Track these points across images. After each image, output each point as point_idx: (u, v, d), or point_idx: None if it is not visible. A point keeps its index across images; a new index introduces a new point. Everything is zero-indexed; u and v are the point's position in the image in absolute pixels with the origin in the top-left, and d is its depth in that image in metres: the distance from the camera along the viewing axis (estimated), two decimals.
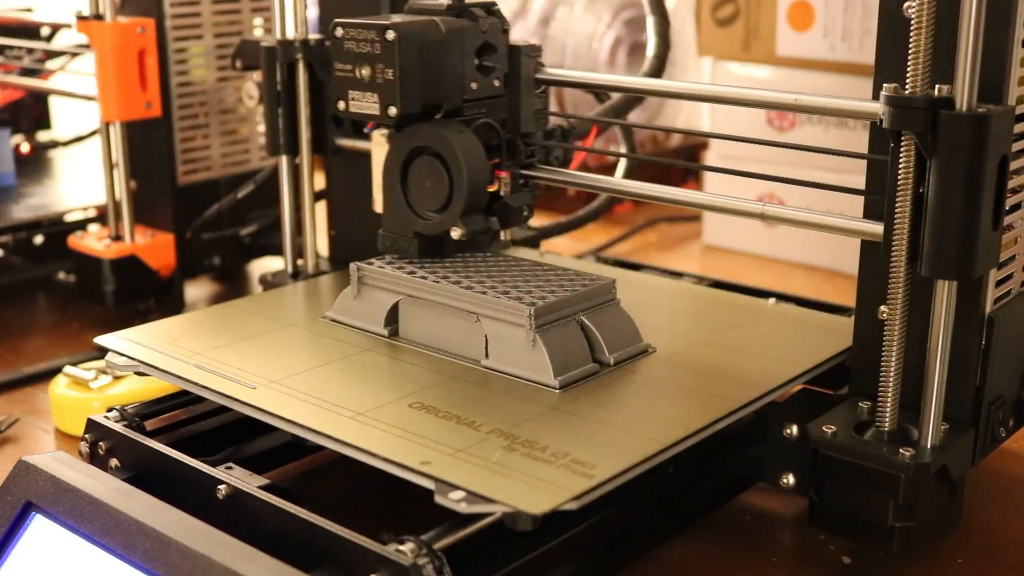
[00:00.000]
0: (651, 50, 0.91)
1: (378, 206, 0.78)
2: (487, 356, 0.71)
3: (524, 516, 0.53)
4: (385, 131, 0.77)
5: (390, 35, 0.71)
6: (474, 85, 0.76)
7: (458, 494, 0.55)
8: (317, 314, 0.80)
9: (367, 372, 0.71)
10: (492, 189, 0.76)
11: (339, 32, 0.74)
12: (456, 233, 0.74)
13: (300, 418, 0.64)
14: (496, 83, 0.77)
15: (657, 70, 0.90)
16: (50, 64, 1.24)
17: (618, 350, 0.71)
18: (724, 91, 0.73)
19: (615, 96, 0.93)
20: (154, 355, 0.72)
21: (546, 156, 0.80)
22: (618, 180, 0.82)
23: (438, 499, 0.55)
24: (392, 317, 0.75)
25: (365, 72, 0.73)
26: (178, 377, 0.70)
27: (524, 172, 0.78)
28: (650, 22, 0.92)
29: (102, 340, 0.75)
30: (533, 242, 1.00)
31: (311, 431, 0.63)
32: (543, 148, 0.79)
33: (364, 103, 0.74)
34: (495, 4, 0.77)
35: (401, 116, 0.73)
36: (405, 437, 0.61)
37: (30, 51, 1.22)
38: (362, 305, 0.77)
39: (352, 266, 0.77)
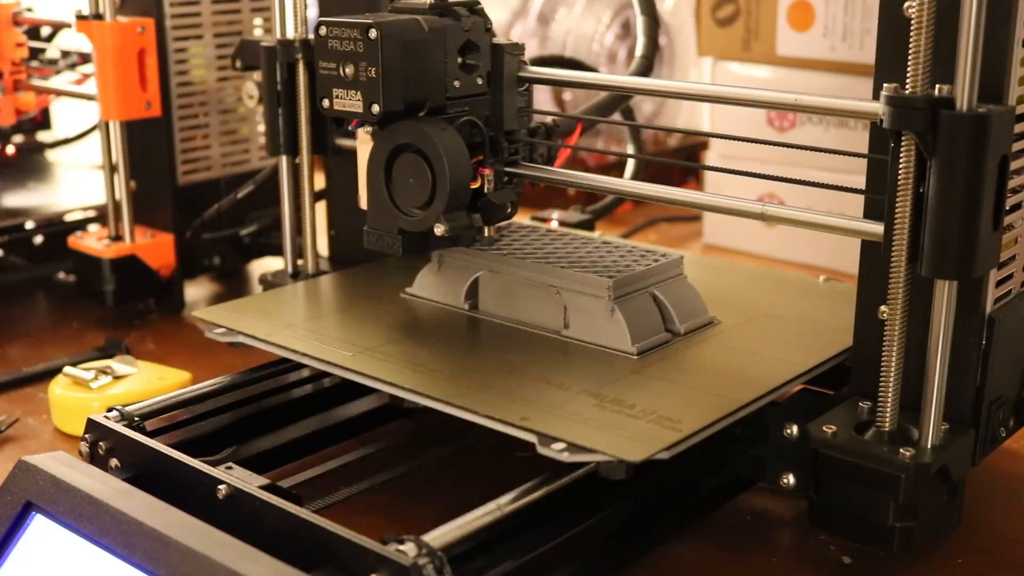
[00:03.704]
0: (639, 50, 0.92)
1: (363, 203, 0.79)
2: (567, 327, 0.74)
3: (622, 464, 0.58)
4: (370, 129, 0.78)
5: (372, 33, 0.71)
6: (457, 83, 0.76)
7: (560, 445, 0.59)
8: (397, 291, 0.84)
9: (453, 341, 0.75)
10: (475, 186, 0.76)
11: (322, 31, 0.74)
12: (439, 230, 0.74)
13: (400, 380, 0.68)
14: (479, 81, 0.77)
15: (645, 70, 0.92)
16: (85, 68, 1.23)
17: (687, 320, 0.76)
18: (724, 91, 0.73)
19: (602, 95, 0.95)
20: (254, 326, 0.76)
21: (530, 153, 0.80)
22: (621, 180, 0.82)
23: (541, 450, 0.59)
24: (472, 291, 0.80)
25: (348, 70, 0.73)
26: (280, 346, 0.74)
27: (508, 169, 0.78)
28: (640, 22, 0.93)
29: (201, 313, 0.79)
30: (588, 225, 1.05)
31: (413, 392, 0.66)
32: (527, 146, 0.80)
33: (348, 101, 0.74)
34: (478, 3, 0.77)
35: (384, 114, 0.73)
36: (502, 396, 0.65)
37: (66, 54, 1.21)
38: (443, 281, 0.81)
39: None
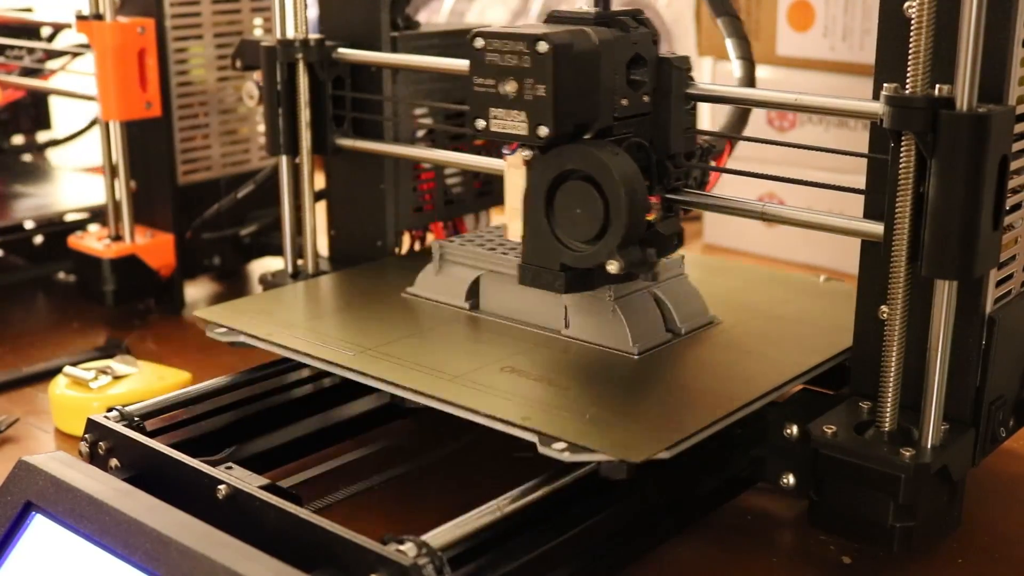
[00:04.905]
0: (736, 51, 0.83)
1: (514, 234, 0.71)
2: (567, 326, 0.74)
3: (622, 464, 0.57)
4: (527, 153, 0.68)
5: (542, 47, 0.63)
6: (624, 101, 0.68)
7: (560, 445, 0.59)
8: (397, 291, 0.84)
9: (455, 341, 0.75)
10: (650, 217, 0.68)
11: (479, 43, 0.66)
12: (613, 267, 0.66)
13: (402, 380, 0.68)
14: (645, 99, 0.70)
15: (752, 73, 0.84)
16: (51, 64, 1.24)
17: (688, 320, 0.76)
18: (724, 91, 0.73)
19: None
20: (255, 326, 0.76)
21: (686, 178, 0.73)
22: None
23: (542, 449, 0.59)
24: (473, 291, 0.79)
25: (510, 88, 0.65)
26: (282, 346, 0.74)
27: (669, 196, 0.71)
28: (720, 24, 0.84)
29: (203, 313, 0.78)
30: None
31: (414, 391, 0.66)
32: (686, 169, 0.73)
33: (508, 122, 0.66)
34: (642, 12, 0.70)
35: (552, 137, 0.65)
36: (502, 396, 0.65)
37: (31, 51, 1.22)
38: (444, 280, 0.81)
39: (434, 243, 0.81)
